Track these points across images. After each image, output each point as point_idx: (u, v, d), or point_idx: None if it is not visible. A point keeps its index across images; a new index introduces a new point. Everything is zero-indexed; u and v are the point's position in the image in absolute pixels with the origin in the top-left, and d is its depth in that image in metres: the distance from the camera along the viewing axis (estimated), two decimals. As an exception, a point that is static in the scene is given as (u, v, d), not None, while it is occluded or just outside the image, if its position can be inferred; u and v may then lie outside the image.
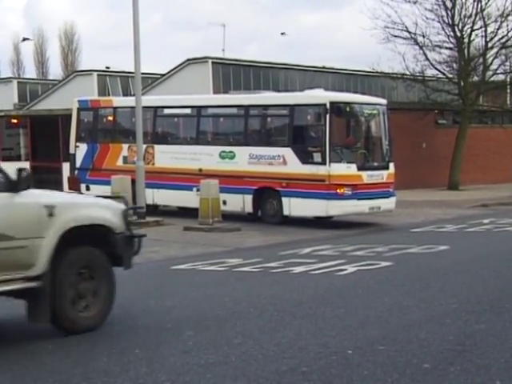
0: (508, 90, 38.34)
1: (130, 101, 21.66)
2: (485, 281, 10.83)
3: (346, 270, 11.79)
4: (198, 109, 21.20)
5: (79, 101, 24.15)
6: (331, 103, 18.18)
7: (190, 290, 10.36)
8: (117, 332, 7.85)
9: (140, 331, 7.84)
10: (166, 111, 22.40)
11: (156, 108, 22.08)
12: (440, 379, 6.13)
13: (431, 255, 13.70)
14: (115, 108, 23.45)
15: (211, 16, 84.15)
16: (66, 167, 27.91)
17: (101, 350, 7.13)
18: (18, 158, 32.94)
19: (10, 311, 8.79)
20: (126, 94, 34.20)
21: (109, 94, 34.29)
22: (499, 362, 6.53)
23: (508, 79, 36.41)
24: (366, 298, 9.46)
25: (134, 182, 19.76)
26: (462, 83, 33.25)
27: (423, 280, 10.94)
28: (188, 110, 21.79)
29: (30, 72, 69.80)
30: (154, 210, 21.14)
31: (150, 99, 23.67)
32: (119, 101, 24.80)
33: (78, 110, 23.86)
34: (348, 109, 18.80)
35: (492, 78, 34.85)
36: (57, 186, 29.43)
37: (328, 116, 18.03)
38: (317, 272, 11.68)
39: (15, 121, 33.63)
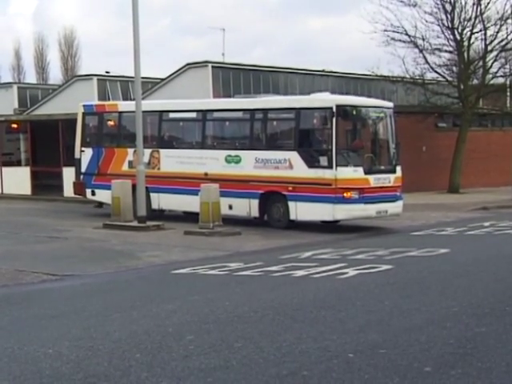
0: (508, 93, 38.32)
1: (135, 105, 21.61)
2: (485, 284, 10.83)
3: (346, 273, 11.79)
4: (204, 113, 21.08)
5: (84, 105, 24.04)
6: (338, 106, 18.07)
7: (190, 294, 10.36)
8: (117, 336, 7.84)
9: (141, 335, 7.83)
10: (172, 115, 22.22)
11: (161, 112, 21.97)
12: (441, 383, 6.12)
13: (432, 258, 13.70)
14: (120, 112, 23.29)
15: (219, 21, 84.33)
16: (66, 172, 27.92)
17: (101, 354, 7.12)
18: (18, 163, 32.95)
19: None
20: (126, 98, 34.18)
21: (109, 99, 34.24)
22: (500, 365, 6.53)
23: (508, 82, 36.38)
24: (367, 302, 9.45)
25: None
26: (462, 86, 33.24)
27: (424, 283, 10.94)
28: (194, 114, 21.66)
29: (31, 77, 69.89)
30: (159, 214, 21.13)
31: (156, 103, 23.59)
32: (124, 105, 24.48)
33: (83, 114, 23.76)
34: (355, 112, 18.69)
35: (492, 81, 34.83)
36: (57, 191, 29.51)
37: (334, 119, 17.90)
38: (317, 276, 11.68)
39: (15, 126, 33.62)
